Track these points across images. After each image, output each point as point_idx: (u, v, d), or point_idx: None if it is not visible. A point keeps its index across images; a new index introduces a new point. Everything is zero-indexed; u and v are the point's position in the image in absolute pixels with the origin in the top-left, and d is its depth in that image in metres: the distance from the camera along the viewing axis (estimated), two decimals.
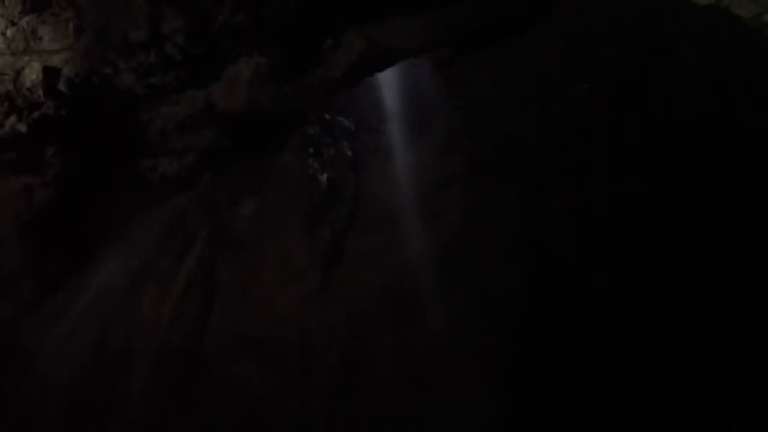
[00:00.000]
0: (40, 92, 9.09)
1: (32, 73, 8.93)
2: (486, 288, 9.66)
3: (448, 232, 9.88)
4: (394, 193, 10.40)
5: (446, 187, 10.02)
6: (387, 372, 9.65)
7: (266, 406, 9.91)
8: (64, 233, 10.23)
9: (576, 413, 8.45)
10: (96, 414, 9.98)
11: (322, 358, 10.09)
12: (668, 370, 8.08)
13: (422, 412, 9.60)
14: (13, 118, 9.17)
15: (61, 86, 9.12)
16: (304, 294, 10.49)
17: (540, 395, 9.01)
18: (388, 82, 11.06)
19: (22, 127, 9.27)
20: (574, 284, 8.83)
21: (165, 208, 10.86)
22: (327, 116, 11.35)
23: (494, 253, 9.62)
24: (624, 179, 8.99)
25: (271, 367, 10.13)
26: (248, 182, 11.06)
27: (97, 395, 10.04)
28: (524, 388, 9.26)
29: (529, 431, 9.22)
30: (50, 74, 8.98)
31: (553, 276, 9.07)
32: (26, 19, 8.15)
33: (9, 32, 8.19)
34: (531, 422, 9.16)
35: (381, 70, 10.15)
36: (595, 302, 8.53)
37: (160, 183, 10.62)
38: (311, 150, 11.18)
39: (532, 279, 9.36)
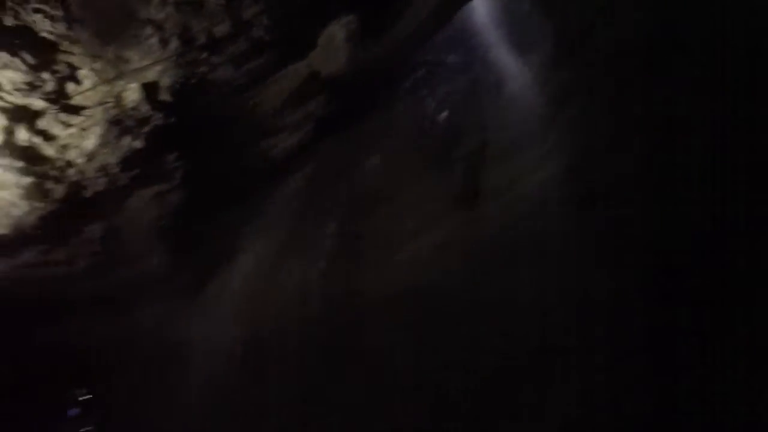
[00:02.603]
0: (145, 108, 9.12)
1: (132, 94, 8.94)
2: (622, 211, 8.87)
3: (576, 151, 9.05)
4: (516, 117, 9.61)
5: (564, 103, 9.10)
6: (536, 315, 9.21)
7: (415, 361, 9.83)
8: (202, 229, 10.43)
9: None
10: (252, 395, 10.31)
11: (466, 306, 9.82)
12: None
13: (570, 348, 9.09)
14: (127, 138, 9.32)
15: (163, 96, 9.12)
16: (444, 239, 10.15)
17: None
18: (481, 10, 10.09)
19: (138, 144, 9.44)
20: None
21: (295, 180, 10.79)
22: (431, 57, 10.57)
23: (625, 169, 8.72)
24: None
25: (418, 321, 10.00)
26: (369, 138, 10.67)
27: (253, 375, 10.35)
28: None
29: None
30: (149, 89, 8.99)
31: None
32: (110, 47, 7.99)
33: (96, 65, 8.12)
34: None
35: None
36: None
37: (284, 158, 10.57)
38: (423, 93, 10.51)
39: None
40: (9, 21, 6.98)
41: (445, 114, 10.07)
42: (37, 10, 7.10)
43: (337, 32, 9.20)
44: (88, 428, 9.84)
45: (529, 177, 9.61)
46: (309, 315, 10.55)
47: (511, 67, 9.57)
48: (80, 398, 9.83)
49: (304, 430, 10.04)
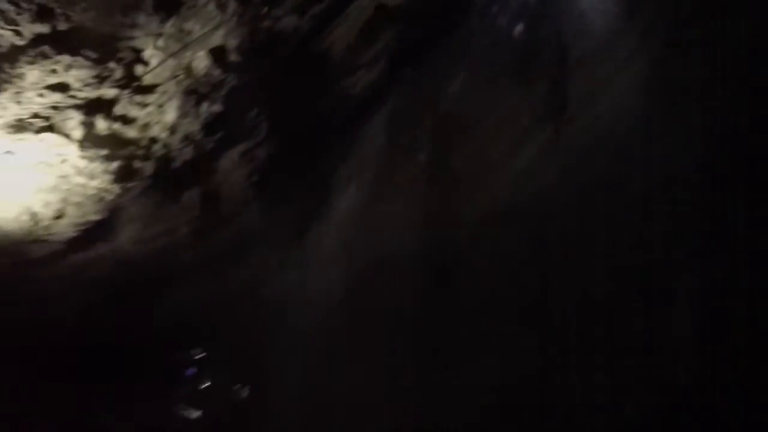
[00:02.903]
0: (216, 72, 9.04)
1: (200, 62, 8.87)
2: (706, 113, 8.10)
3: (654, 59, 8.28)
4: (591, 25, 8.78)
5: (640, 8, 8.25)
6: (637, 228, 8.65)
7: (518, 279, 9.48)
8: (294, 180, 10.43)
9: None
10: (361, 330, 10.33)
11: (564, 224, 9.36)
12: None
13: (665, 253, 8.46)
14: (205, 105, 9.31)
15: (232, 57, 9.01)
16: (537, 156, 9.66)
17: None
18: None
19: (217, 107, 9.42)
20: None
21: (379, 116, 10.50)
22: None
23: (712, 73, 7.88)
24: None
25: (516, 239, 9.64)
26: (446, 64, 10.09)
27: (360, 311, 10.32)
28: None
29: None
30: (217, 53, 8.89)
31: None
32: (168, 24, 7.88)
33: (160, 42, 8.06)
34: None
35: None
36: None
37: (365, 96, 10.36)
38: (495, 9, 9.73)
39: None
40: (62, 26, 6.93)
41: (520, 28, 9.34)
42: (86, 9, 6.97)
43: None
44: (206, 384, 10.28)
45: (613, 86, 8.90)
46: (409, 248, 10.45)
47: None
48: (196, 358, 10.26)
49: (421, 358, 10.10)
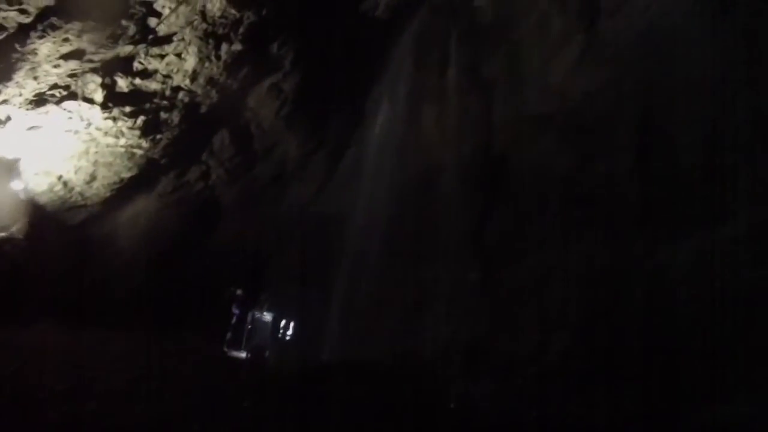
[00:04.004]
0: (231, 12, 8.73)
1: (214, 3, 8.51)
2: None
3: None
4: None
5: None
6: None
7: (571, 179, 9.35)
8: (326, 108, 10.20)
9: None
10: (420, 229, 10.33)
11: (615, 122, 9.12)
12: None
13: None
14: (225, 46, 9.03)
15: None
16: (571, 59, 9.38)
17: None
18: None
19: (237, 46, 9.11)
20: None
21: (405, 39, 10.16)
22: None
23: None
24: None
25: (569, 141, 9.45)
26: None
27: (414, 225, 10.30)
28: None
29: None
30: None
31: None
32: None
33: None
34: None
35: None
36: None
37: (389, 17, 10.01)
38: None
39: None
40: None
41: None
42: None
43: None
44: (253, 318, 10.27)
45: None
46: (451, 158, 10.33)
47: None
48: (240, 294, 10.15)
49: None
